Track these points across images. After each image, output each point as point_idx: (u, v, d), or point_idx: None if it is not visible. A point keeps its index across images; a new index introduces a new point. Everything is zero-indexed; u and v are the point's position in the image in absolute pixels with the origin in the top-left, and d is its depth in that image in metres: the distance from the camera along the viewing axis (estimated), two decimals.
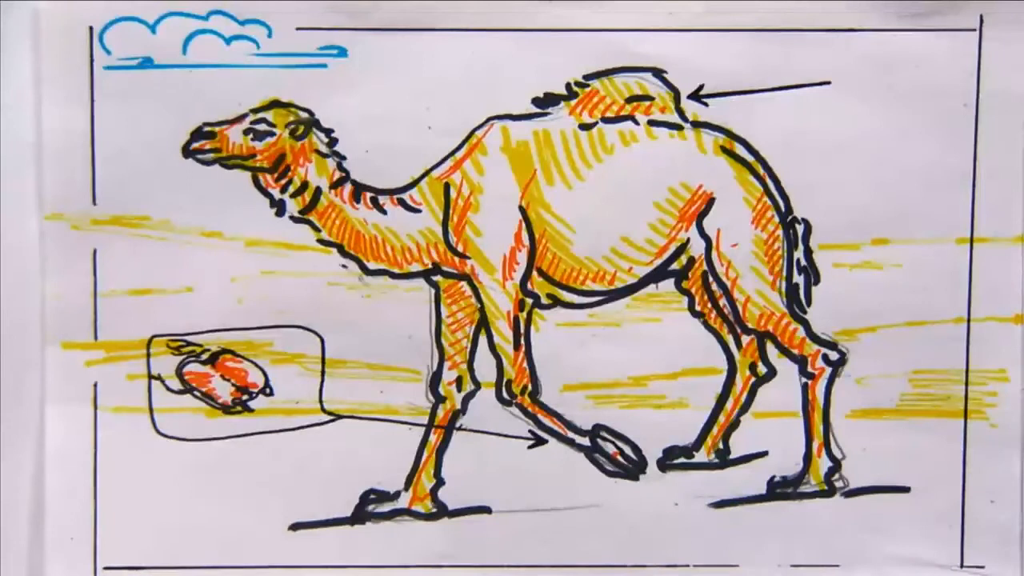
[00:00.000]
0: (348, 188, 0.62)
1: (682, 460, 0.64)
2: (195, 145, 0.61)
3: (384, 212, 0.62)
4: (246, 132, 0.61)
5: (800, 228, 0.62)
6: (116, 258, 0.62)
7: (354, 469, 0.63)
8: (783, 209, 0.62)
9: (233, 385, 0.63)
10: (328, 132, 0.62)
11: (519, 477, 0.64)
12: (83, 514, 0.63)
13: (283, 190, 0.62)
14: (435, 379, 0.63)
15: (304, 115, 0.61)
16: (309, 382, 0.63)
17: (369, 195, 0.62)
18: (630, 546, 0.64)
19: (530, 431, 0.63)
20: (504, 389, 0.63)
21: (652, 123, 0.62)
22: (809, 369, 0.63)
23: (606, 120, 0.62)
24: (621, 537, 0.64)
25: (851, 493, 0.64)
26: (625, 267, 0.63)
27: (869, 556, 0.64)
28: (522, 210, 0.62)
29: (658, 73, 0.62)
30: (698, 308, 0.63)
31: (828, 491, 0.64)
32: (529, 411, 0.63)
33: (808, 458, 0.64)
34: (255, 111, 0.61)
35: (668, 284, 0.63)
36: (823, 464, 0.64)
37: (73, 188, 0.61)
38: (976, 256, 0.63)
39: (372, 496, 0.64)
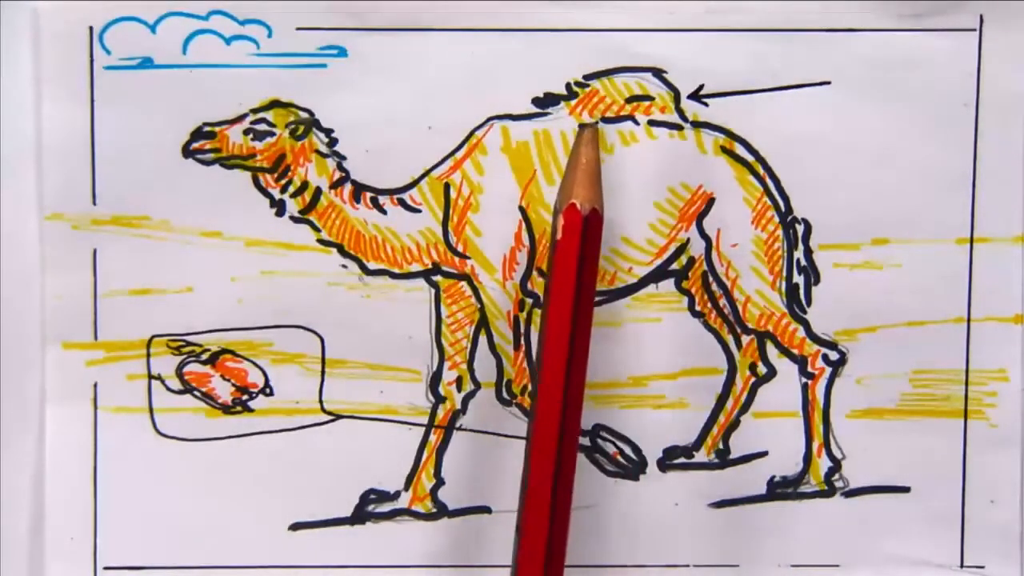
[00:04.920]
0: (348, 188, 0.62)
1: (682, 460, 0.64)
2: (195, 145, 0.61)
3: (384, 212, 0.62)
4: (246, 132, 0.61)
5: (800, 228, 0.62)
6: (116, 258, 0.62)
7: (354, 469, 0.63)
8: (783, 209, 0.62)
9: (233, 385, 0.63)
10: (328, 132, 0.62)
11: (519, 477, 0.64)
12: (83, 514, 0.63)
13: (283, 190, 0.62)
14: (435, 379, 0.63)
15: (304, 115, 0.61)
16: (309, 382, 0.63)
17: (369, 195, 0.62)
18: (630, 546, 0.64)
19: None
20: (504, 389, 0.63)
21: (652, 123, 0.62)
22: (809, 369, 0.63)
23: (606, 120, 0.62)
24: (621, 537, 0.64)
25: (851, 493, 0.64)
26: (625, 267, 0.62)
27: (869, 556, 0.64)
28: (522, 210, 0.62)
29: (658, 73, 0.62)
30: (698, 308, 0.63)
31: (828, 491, 0.64)
32: (529, 411, 0.63)
33: (808, 458, 0.64)
34: (255, 111, 0.61)
35: (668, 284, 0.63)
36: (823, 464, 0.64)
37: (73, 188, 0.61)
38: (976, 256, 0.63)
39: (372, 496, 0.64)
